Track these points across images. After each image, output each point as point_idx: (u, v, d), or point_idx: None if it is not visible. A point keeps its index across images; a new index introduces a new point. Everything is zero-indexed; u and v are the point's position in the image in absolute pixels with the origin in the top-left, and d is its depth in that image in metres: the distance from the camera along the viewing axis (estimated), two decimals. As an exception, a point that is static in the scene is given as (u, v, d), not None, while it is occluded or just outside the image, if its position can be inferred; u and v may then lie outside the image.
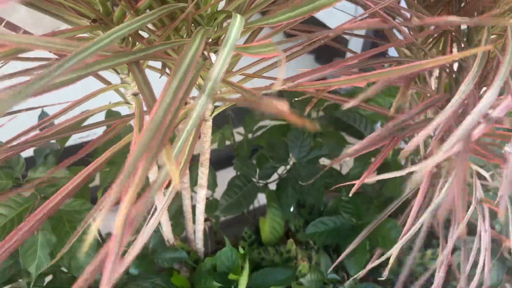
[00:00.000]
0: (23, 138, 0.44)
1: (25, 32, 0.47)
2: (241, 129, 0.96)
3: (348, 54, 1.54)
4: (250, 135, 0.95)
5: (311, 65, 1.79)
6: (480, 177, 0.70)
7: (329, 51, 1.65)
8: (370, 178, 0.51)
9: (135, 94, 0.49)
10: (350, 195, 0.47)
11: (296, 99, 0.78)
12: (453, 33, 0.53)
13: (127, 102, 0.50)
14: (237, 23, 0.35)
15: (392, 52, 1.24)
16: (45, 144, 0.78)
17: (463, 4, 0.52)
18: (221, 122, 0.91)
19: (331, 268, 0.68)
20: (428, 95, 0.63)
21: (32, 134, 0.46)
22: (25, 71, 0.34)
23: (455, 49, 0.61)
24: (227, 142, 0.94)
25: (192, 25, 0.43)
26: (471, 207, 0.59)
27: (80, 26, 0.39)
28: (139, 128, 0.43)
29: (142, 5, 0.36)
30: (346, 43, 1.69)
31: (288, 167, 0.79)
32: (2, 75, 0.31)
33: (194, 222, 0.70)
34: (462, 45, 0.54)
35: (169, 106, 0.27)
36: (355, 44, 1.63)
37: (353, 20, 0.42)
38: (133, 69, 0.34)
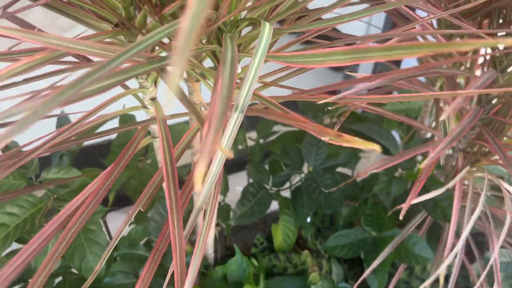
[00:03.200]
0: (39, 142, 0.43)
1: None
2: (252, 134, 0.95)
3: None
4: (261, 140, 0.94)
5: (325, 73, 1.77)
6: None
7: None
8: (414, 199, 0.49)
9: (153, 99, 0.48)
10: (401, 217, 0.46)
11: (330, 108, 0.77)
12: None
13: (144, 107, 0.49)
14: (266, 31, 0.34)
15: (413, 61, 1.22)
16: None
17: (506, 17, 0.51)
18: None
19: (356, 285, 0.66)
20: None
21: (48, 137, 0.45)
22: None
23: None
24: (239, 147, 0.93)
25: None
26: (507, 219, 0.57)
27: (104, 31, 0.38)
28: (163, 132, 0.42)
29: (167, 12, 0.35)
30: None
31: (302, 175, 0.78)
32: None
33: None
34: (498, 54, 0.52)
35: (222, 114, 0.26)
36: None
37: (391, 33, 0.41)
38: (162, 75, 0.34)
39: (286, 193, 0.84)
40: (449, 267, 0.69)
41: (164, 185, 0.40)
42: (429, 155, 0.47)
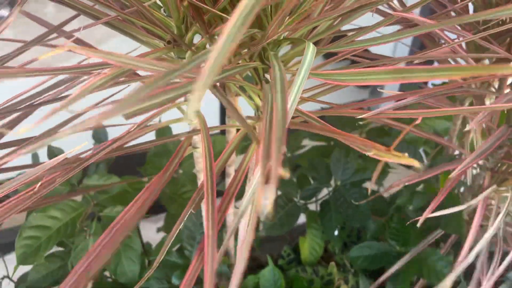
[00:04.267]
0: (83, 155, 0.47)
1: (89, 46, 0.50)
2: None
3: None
4: (289, 154, 0.97)
5: (351, 89, 1.79)
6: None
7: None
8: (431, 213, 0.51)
9: (197, 111, 0.51)
10: (419, 225, 0.48)
11: (361, 122, 0.79)
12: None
13: (188, 119, 0.52)
14: (310, 51, 0.36)
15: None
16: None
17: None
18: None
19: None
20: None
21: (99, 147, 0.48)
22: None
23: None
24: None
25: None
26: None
27: (158, 48, 0.41)
28: (207, 144, 0.44)
29: (216, 32, 0.39)
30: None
31: (330, 189, 0.80)
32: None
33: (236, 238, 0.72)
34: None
35: (281, 136, 0.29)
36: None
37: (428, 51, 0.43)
38: (215, 92, 0.36)
39: (313, 207, 0.85)
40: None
41: (204, 197, 0.42)
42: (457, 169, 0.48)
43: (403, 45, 1.33)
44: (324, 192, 0.84)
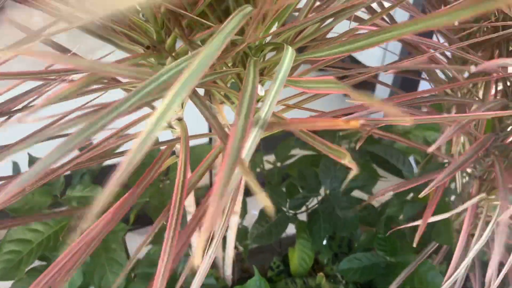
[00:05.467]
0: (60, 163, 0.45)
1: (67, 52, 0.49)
2: (269, 157, 0.97)
3: (378, 85, 1.54)
4: (279, 164, 0.96)
5: (335, 97, 1.79)
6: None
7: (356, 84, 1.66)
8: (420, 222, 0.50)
9: (179, 119, 0.50)
10: (415, 244, 0.47)
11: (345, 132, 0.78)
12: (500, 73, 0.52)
13: (170, 127, 0.51)
14: (288, 55, 0.35)
15: (426, 84, 1.24)
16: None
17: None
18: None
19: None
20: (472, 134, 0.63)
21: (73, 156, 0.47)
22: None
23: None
24: (257, 170, 0.95)
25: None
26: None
27: (137, 53, 0.41)
28: (185, 152, 0.44)
29: (197, 38, 0.38)
30: (376, 75, 1.69)
31: (319, 198, 0.79)
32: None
33: (224, 247, 0.70)
34: (508, 84, 0.54)
35: (241, 138, 0.28)
36: (386, 77, 1.63)
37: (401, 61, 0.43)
38: (193, 98, 0.35)
39: (303, 216, 0.84)
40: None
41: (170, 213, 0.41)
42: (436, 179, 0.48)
43: (393, 54, 1.34)
44: (314, 201, 0.83)
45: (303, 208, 0.84)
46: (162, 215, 0.58)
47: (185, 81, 0.22)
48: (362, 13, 0.59)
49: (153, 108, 0.52)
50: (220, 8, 0.41)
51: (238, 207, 0.59)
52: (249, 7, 0.33)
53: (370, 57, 1.46)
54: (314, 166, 0.89)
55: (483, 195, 0.68)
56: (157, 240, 0.79)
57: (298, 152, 0.96)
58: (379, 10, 0.55)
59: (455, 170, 0.55)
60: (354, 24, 0.55)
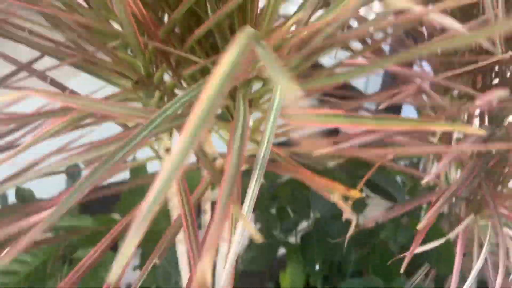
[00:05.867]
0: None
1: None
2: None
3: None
4: (267, 185, 0.96)
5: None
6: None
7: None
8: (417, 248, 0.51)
9: (167, 150, 0.50)
10: (402, 270, 0.47)
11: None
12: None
13: (159, 157, 0.51)
14: (279, 90, 0.36)
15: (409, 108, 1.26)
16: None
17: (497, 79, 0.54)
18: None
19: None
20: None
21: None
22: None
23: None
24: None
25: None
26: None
27: (126, 88, 0.41)
28: (181, 184, 0.44)
29: (187, 73, 0.38)
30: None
31: (310, 221, 0.79)
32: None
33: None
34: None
35: (235, 175, 0.28)
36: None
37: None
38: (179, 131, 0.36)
39: (293, 239, 0.84)
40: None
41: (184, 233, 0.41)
42: (427, 213, 0.48)
43: (377, 77, 1.36)
44: (304, 224, 0.83)
45: (295, 231, 0.84)
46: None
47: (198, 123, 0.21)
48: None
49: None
50: (208, 43, 0.41)
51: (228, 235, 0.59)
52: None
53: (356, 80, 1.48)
54: (304, 188, 0.89)
55: (471, 216, 0.68)
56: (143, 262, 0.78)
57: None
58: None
59: (451, 196, 0.56)
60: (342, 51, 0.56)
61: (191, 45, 0.39)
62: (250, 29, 0.28)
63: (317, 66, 0.49)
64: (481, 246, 0.67)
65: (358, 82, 1.53)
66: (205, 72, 0.39)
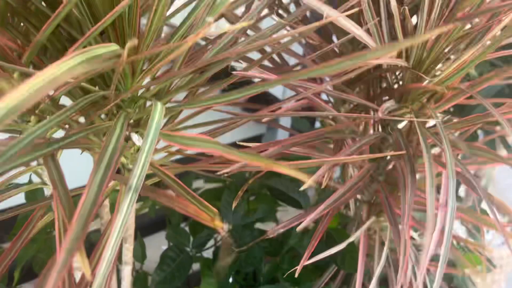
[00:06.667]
0: None
1: None
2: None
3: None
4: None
5: (249, 125, 1.82)
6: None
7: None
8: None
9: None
10: (297, 274, 0.48)
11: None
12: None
13: (44, 183, 0.47)
14: (158, 112, 0.35)
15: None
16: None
17: (384, 85, 0.56)
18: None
19: None
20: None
21: None
22: None
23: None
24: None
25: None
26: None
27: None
28: (59, 211, 0.41)
29: (58, 95, 0.36)
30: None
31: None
32: None
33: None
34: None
35: (96, 196, 0.26)
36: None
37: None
38: (48, 164, 0.33)
39: (208, 253, 0.83)
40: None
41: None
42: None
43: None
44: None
45: (211, 243, 0.82)
46: (46, 268, 0.55)
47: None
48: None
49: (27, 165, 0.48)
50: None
51: (129, 257, 0.56)
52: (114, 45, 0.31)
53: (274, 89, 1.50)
54: (217, 199, 0.88)
55: (373, 218, 0.72)
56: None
57: (201, 185, 0.95)
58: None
59: (341, 197, 0.58)
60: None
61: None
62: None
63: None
64: (383, 245, 0.70)
65: (277, 91, 1.55)
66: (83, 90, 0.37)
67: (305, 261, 0.53)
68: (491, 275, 1.14)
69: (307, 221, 0.49)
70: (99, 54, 0.27)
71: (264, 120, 0.58)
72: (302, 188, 0.44)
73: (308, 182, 0.36)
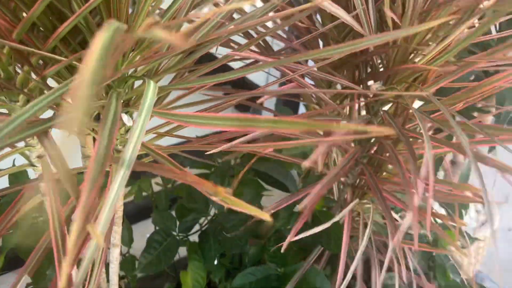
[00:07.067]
0: None
1: None
2: (158, 179, 0.94)
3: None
4: (169, 185, 0.94)
5: (232, 111, 1.82)
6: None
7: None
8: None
9: (40, 157, 0.46)
10: (283, 250, 0.49)
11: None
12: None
13: (32, 165, 0.47)
14: (150, 90, 0.35)
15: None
16: None
17: (369, 70, 0.58)
18: (137, 172, 0.89)
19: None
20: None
21: None
22: None
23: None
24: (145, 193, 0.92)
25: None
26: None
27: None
28: (52, 192, 0.41)
29: (49, 73, 0.35)
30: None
31: (209, 218, 0.79)
32: None
33: (108, 281, 0.67)
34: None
35: (98, 174, 0.27)
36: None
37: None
38: (43, 140, 0.33)
39: (195, 238, 0.83)
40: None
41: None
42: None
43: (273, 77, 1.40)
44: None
45: (197, 228, 0.83)
46: (33, 254, 0.55)
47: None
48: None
49: (12, 146, 0.48)
50: (75, 41, 0.39)
51: (117, 239, 0.56)
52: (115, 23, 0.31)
53: (255, 76, 1.50)
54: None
55: (356, 200, 0.73)
56: (39, 283, 0.73)
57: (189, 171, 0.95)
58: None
59: (330, 181, 0.59)
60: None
61: (54, 45, 0.36)
62: (115, 22, 0.27)
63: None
64: (366, 226, 0.72)
65: (260, 78, 1.55)
66: (72, 70, 0.37)
67: (291, 239, 0.54)
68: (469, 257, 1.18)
69: (304, 203, 0.49)
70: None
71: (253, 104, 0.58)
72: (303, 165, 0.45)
73: (305, 163, 0.37)
